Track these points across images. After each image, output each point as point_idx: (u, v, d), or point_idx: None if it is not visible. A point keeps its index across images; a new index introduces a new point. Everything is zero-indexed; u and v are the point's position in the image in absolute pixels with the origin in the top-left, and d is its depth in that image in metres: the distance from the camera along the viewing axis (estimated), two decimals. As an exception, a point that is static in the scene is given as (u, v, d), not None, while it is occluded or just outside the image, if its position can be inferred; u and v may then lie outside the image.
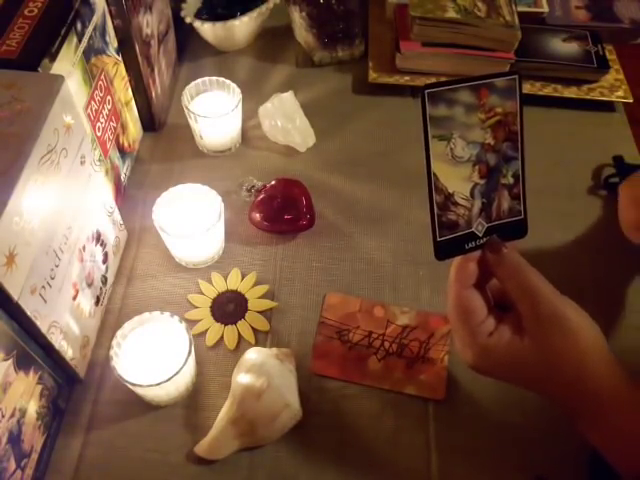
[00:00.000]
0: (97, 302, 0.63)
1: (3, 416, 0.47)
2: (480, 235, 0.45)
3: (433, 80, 0.43)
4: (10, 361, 0.47)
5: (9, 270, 0.44)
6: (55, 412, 0.57)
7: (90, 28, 0.61)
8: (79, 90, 0.59)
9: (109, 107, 0.68)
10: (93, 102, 0.63)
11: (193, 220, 0.67)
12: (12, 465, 0.50)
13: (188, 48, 0.92)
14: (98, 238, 0.61)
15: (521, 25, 0.82)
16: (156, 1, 0.76)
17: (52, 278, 0.51)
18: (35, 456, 0.54)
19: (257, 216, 0.71)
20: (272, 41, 0.94)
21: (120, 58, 0.70)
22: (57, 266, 0.52)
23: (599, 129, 0.85)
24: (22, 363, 0.49)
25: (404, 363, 0.63)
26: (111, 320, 0.65)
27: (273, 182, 0.73)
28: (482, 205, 0.45)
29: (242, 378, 0.58)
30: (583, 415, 0.45)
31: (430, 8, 0.81)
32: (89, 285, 0.60)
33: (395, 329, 0.65)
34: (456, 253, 0.45)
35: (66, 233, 0.53)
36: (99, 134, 0.65)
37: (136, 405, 0.59)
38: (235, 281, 0.68)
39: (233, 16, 0.86)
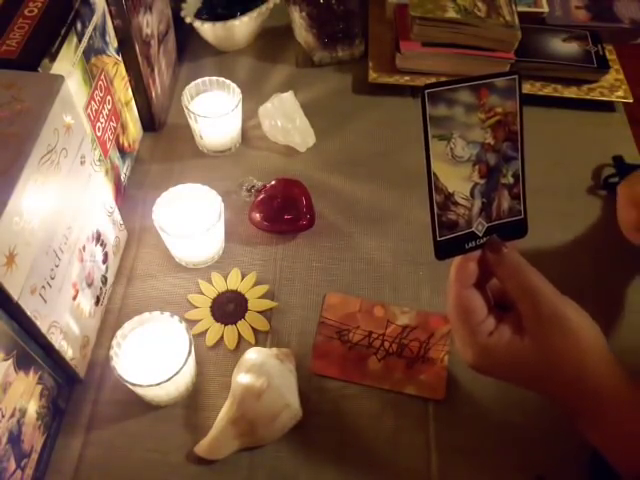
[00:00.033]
0: (97, 302, 0.63)
1: (3, 416, 0.47)
2: (480, 235, 0.45)
3: (433, 80, 0.43)
4: (10, 361, 0.47)
5: (9, 270, 0.44)
6: (55, 412, 0.57)
7: (90, 28, 0.61)
8: (79, 90, 0.59)
9: (109, 107, 0.68)
10: (93, 102, 0.63)
11: (193, 220, 0.67)
12: (12, 465, 0.50)
13: (188, 48, 0.92)
14: (98, 238, 0.61)
15: (521, 25, 0.82)
16: (156, 1, 0.76)
17: (52, 278, 0.51)
18: (35, 456, 0.54)
19: (257, 216, 0.71)
20: (272, 41, 0.94)
21: (120, 58, 0.70)
22: (57, 266, 0.52)
23: (599, 129, 0.85)
24: (22, 363, 0.49)
25: (404, 363, 0.63)
26: (111, 320, 0.65)
27: (273, 182, 0.73)
28: (482, 205, 0.45)
29: (242, 378, 0.58)
30: (583, 415, 0.45)
31: (430, 8, 0.81)
32: (89, 285, 0.60)
33: (395, 329, 0.65)
34: (456, 253, 0.45)
35: (66, 233, 0.53)
36: (99, 134, 0.65)
37: (136, 405, 0.59)
38: (235, 281, 0.68)
39: (233, 16, 0.86)
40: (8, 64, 0.51)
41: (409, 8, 0.82)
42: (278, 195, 0.71)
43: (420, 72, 0.86)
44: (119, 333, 0.57)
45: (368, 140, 0.83)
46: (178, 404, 0.60)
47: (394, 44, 0.86)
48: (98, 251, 0.62)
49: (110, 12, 0.66)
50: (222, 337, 0.65)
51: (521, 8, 0.88)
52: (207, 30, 0.86)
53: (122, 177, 0.74)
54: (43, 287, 0.50)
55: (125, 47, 0.70)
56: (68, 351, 0.56)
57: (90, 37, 0.61)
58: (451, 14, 0.81)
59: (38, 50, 0.52)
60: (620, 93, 0.85)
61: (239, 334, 0.65)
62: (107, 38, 0.66)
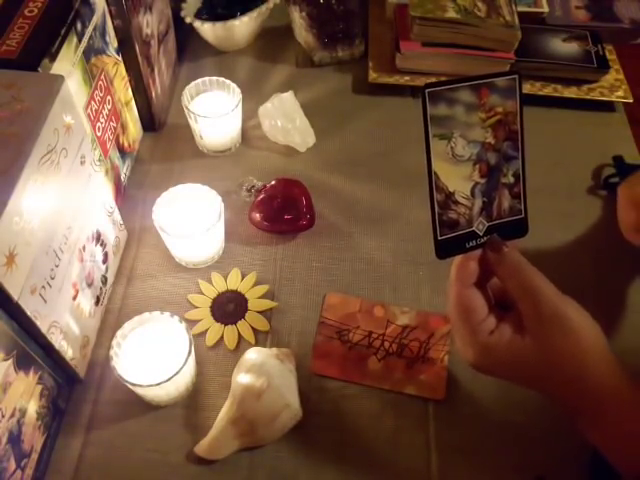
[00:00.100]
0: (97, 302, 0.63)
1: (3, 416, 0.47)
2: (481, 234, 0.45)
3: (433, 80, 0.43)
4: (10, 361, 0.47)
5: (9, 270, 0.44)
6: (55, 412, 0.57)
7: (90, 28, 0.61)
8: (79, 90, 0.59)
9: (109, 107, 0.68)
10: (93, 102, 0.63)
11: (193, 220, 0.67)
12: (12, 465, 0.50)
13: (188, 48, 0.92)
14: (98, 238, 0.61)
15: (521, 25, 0.82)
16: (156, 1, 0.76)
17: (52, 278, 0.51)
18: (35, 456, 0.54)
19: (257, 216, 0.71)
20: (272, 41, 0.94)
21: (120, 58, 0.70)
22: (57, 266, 0.52)
23: (599, 129, 0.85)
24: (22, 363, 0.49)
25: (404, 363, 0.63)
26: (111, 320, 0.65)
27: (273, 182, 0.73)
28: (483, 204, 0.45)
29: (242, 378, 0.58)
30: (583, 414, 0.45)
31: (430, 8, 0.81)
32: (89, 285, 0.60)
33: (395, 329, 0.65)
34: (457, 252, 0.45)
35: (66, 233, 0.53)
36: (99, 134, 0.65)
37: (136, 405, 0.59)
38: (235, 281, 0.68)
39: (233, 16, 0.86)
40: (8, 64, 0.51)
41: (409, 8, 0.82)
42: (278, 195, 0.71)
43: (420, 72, 0.86)
44: (119, 333, 0.57)
45: (368, 140, 0.83)
46: (178, 404, 0.60)
47: (394, 44, 0.86)
48: (98, 251, 0.62)
49: (110, 12, 0.66)
50: (222, 337, 0.65)
51: (521, 8, 0.88)
52: (207, 30, 0.87)
53: (122, 177, 0.74)
54: (43, 287, 0.50)
55: (125, 47, 0.70)
56: (68, 351, 0.56)
57: (90, 37, 0.61)
58: (451, 14, 0.81)
59: (38, 50, 0.52)
60: (620, 93, 0.85)
61: (239, 334, 0.65)
62: (107, 38, 0.66)
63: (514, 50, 0.83)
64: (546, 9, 0.92)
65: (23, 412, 0.51)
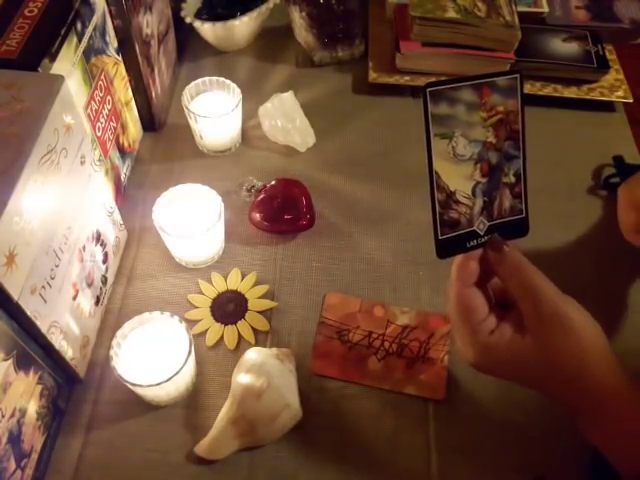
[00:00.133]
0: (97, 302, 0.63)
1: (3, 416, 0.47)
2: (481, 233, 0.45)
3: (433, 80, 0.43)
4: (10, 361, 0.47)
5: (9, 270, 0.44)
6: (55, 412, 0.57)
7: (90, 28, 0.61)
8: (79, 90, 0.59)
9: (109, 107, 0.68)
10: (93, 102, 0.63)
11: (193, 220, 0.67)
12: (12, 465, 0.50)
13: (188, 48, 0.92)
14: (98, 238, 0.61)
15: (521, 25, 0.82)
16: (156, 1, 0.76)
17: (52, 278, 0.51)
18: (35, 456, 0.54)
19: (257, 216, 0.71)
20: (272, 41, 0.94)
21: (120, 58, 0.70)
22: (57, 266, 0.52)
23: (599, 129, 0.85)
24: (22, 363, 0.49)
25: (404, 363, 0.63)
26: (111, 320, 0.65)
27: (273, 182, 0.73)
28: (483, 203, 0.45)
29: (242, 378, 0.58)
30: (584, 414, 0.45)
31: (430, 8, 0.81)
32: (89, 285, 0.60)
33: (395, 329, 0.65)
34: (457, 251, 0.45)
35: (66, 233, 0.53)
36: (99, 134, 0.65)
37: (136, 405, 0.59)
38: (235, 281, 0.68)
39: (233, 16, 0.86)
40: (8, 64, 0.51)
41: (409, 8, 0.82)
42: (278, 195, 0.71)
43: (420, 72, 0.86)
44: (119, 333, 0.57)
45: (368, 140, 0.83)
46: (178, 404, 0.60)
47: (394, 44, 0.86)
48: (98, 251, 0.62)
49: (110, 12, 0.66)
50: (222, 337, 0.65)
51: (521, 8, 0.88)
52: (207, 30, 0.86)
53: (122, 177, 0.74)
54: (43, 287, 0.50)
55: (125, 47, 0.70)
56: (68, 351, 0.56)
57: (90, 37, 0.61)
58: (451, 14, 0.81)
59: (38, 50, 0.52)
60: (620, 93, 0.85)
61: (239, 334, 0.65)
62: (107, 38, 0.66)
63: (514, 50, 0.83)
64: (546, 9, 0.92)
65: (23, 412, 0.51)
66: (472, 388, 0.62)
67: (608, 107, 0.86)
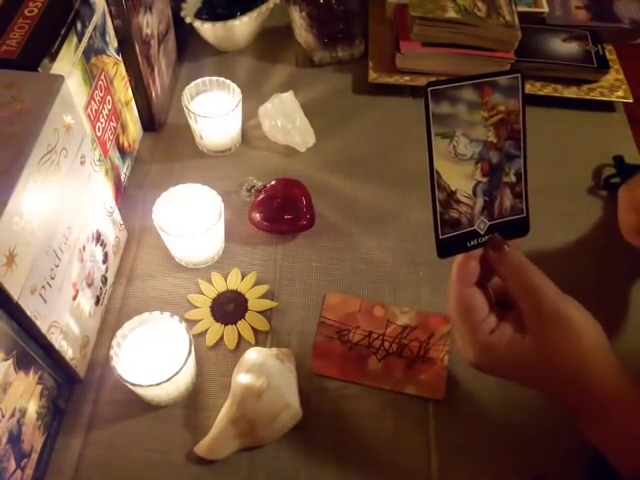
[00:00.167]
0: (97, 302, 0.63)
1: (3, 416, 0.47)
2: (482, 233, 0.45)
3: (433, 80, 0.43)
4: (10, 361, 0.47)
5: (9, 270, 0.44)
6: (55, 412, 0.57)
7: (90, 28, 0.61)
8: (79, 90, 0.59)
9: (109, 107, 0.68)
10: (93, 102, 0.63)
11: (193, 220, 0.67)
12: (12, 465, 0.50)
13: (188, 48, 0.92)
14: (98, 238, 0.61)
15: (521, 25, 0.82)
16: (156, 1, 0.76)
17: (52, 278, 0.51)
18: (35, 456, 0.54)
19: (257, 216, 0.71)
20: (272, 41, 0.94)
21: (120, 58, 0.70)
22: (57, 266, 0.52)
23: (599, 129, 0.85)
24: (22, 363, 0.49)
25: (404, 363, 0.63)
26: (111, 320, 0.65)
27: (273, 182, 0.73)
28: (484, 203, 0.45)
29: (242, 378, 0.58)
30: (585, 414, 0.45)
31: (430, 8, 0.81)
32: (89, 285, 0.60)
33: (395, 329, 0.65)
34: (458, 251, 0.45)
35: (66, 233, 0.53)
36: (99, 134, 0.65)
37: (136, 405, 0.59)
38: (235, 281, 0.68)
39: (233, 16, 0.86)
40: (8, 64, 0.51)
41: (409, 8, 0.82)
42: (278, 195, 0.71)
43: (420, 72, 0.86)
44: (119, 333, 0.57)
45: (368, 140, 0.83)
46: (178, 404, 0.60)
47: (394, 44, 0.86)
48: (98, 251, 0.62)
49: (110, 12, 0.66)
50: (222, 337, 0.65)
51: (521, 8, 0.88)
52: (207, 30, 0.86)
53: (122, 177, 0.74)
54: (43, 287, 0.50)
55: (125, 47, 0.70)
56: (68, 351, 0.56)
57: (90, 37, 0.61)
58: (451, 14, 0.81)
59: (38, 50, 0.52)
60: (620, 93, 0.85)
61: (239, 334, 0.65)
62: (107, 38, 0.66)
63: (514, 50, 0.83)
64: (546, 9, 0.92)
65: (23, 412, 0.51)
66: (472, 388, 0.62)
67: (608, 107, 0.86)
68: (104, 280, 0.65)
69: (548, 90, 0.86)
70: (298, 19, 0.88)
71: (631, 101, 0.84)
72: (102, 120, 0.66)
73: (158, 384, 0.54)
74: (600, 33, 0.89)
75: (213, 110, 0.75)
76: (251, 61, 0.92)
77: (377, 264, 0.71)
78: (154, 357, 0.57)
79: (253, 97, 0.83)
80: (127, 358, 0.57)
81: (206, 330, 0.65)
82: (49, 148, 0.48)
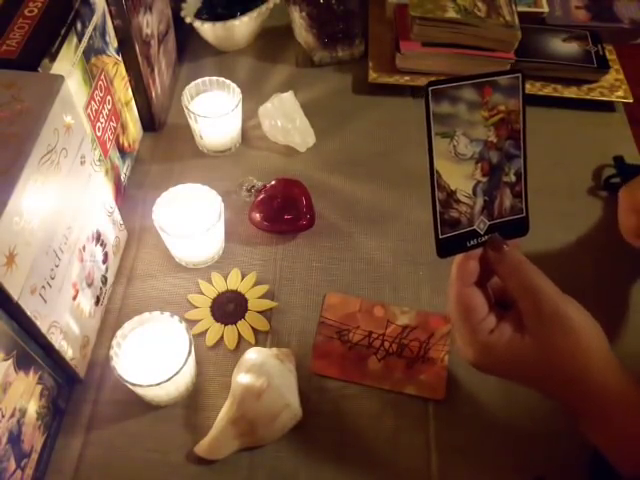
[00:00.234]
0: (97, 302, 0.63)
1: (3, 416, 0.47)
2: (482, 233, 0.45)
3: (434, 79, 0.43)
4: (10, 361, 0.47)
5: (9, 270, 0.44)
6: (55, 412, 0.57)
7: (90, 28, 0.61)
8: (79, 90, 0.59)
9: (109, 107, 0.68)
10: (93, 102, 0.63)
11: (193, 220, 0.67)
12: (12, 465, 0.50)
13: (188, 48, 0.92)
14: (98, 238, 0.61)
15: (521, 25, 0.82)
16: (156, 1, 0.76)
17: (52, 278, 0.51)
18: (35, 456, 0.54)
19: (257, 216, 0.71)
20: (272, 41, 0.94)
21: (120, 58, 0.70)
22: (57, 266, 0.52)
23: (599, 129, 0.85)
24: (22, 363, 0.49)
25: (404, 363, 0.63)
26: (111, 320, 0.65)
27: (273, 182, 0.73)
28: (484, 203, 0.45)
29: (242, 378, 0.58)
30: (584, 415, 0.45)
31: (430, 8, 0.81)
32: (89, 285, 0.60)
33: (395, 329, 0.65)
34: (458, 251, 0.45)
35: (66, 233, 0.53)
36: (99, 134, 0.65)
37: (136, 405, 0.59)
38: (235, 281, 0.68)
39: (233, 16, 0.86)
40: (8, 64, 0.51)
41: (409, 8, 0.82)
42: (278, 195, 0.71)
43: (420, 72, 0.86)
44: (119, 333, 0.57)
45: (368, 140, 0.83)
46: (178, 404, 0.60)
47: (394, 44, 0.86)
48: (98, 251, 0.62)
49: (110, 12, 0.66)
50: (222, 337, 0.65)
51: (521, 8, 0.88)
52: (207, 30, 0.86)
53: (122, 177, 0.74)
54: (43, 287, 0.50)
55: (125, 47, 0.70)
56: (68, 351, 0.56)
57: (90, 37, 0.61)
58: (451, 14, 0.81)
59: (38, 50, 0.52)
60: (620, 93, 0.85)
61: (239, 334, 0.65)
62: (107, 38, 0.66)
63: (514, 50, 0.83)
64: (546, 9, 0.92)
65: (23, 412, 0.51)
66: (472, 388, 0.62)
67: (608, 107, 0.86)
68: (104, 280, 0.65)
69: (548, 90, 0.86)
70: (298, 19, 0.88)
71: (631, 101, 0.84)
72: (102, 120, 0.66)
73: (158, 384, 0.54)
74: (600, 33, 0.89)
75: (213, 110, 0.75)
76: (251, 61, 0.92)
77: (377, 264, 0.71)
78: (154, 357, 0.57)
79: (253, 97, 0.83)
80: (127, 358, 0.57)
81: (206, 330, 0.65)
82: (49, 148, 0.48)
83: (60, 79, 0.50)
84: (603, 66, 0.85)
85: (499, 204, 0.46)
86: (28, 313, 0.48)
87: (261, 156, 0.80)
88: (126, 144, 0.75)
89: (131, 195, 0.75)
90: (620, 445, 0.45)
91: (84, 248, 0.58)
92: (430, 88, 0.41)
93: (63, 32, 0.55)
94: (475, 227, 0.45)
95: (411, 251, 0.71)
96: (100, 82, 0.64)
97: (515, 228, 0.47)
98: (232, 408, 0.57)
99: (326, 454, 0.58)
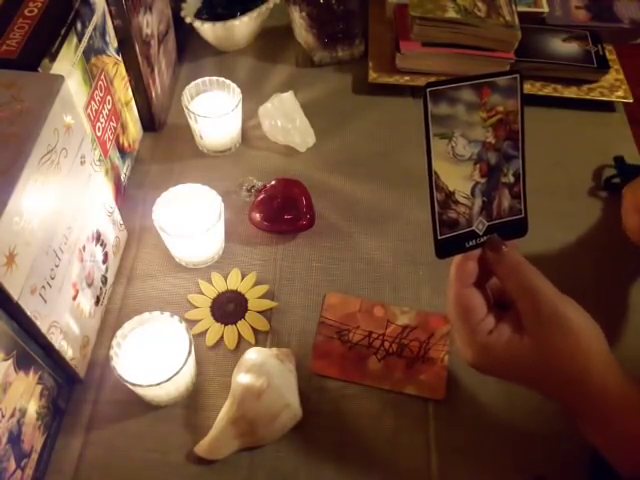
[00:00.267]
0: (97, 302, 0.63)
1: (3, 416, 0.47)
2: (480, 234, 0.45)
3: (433, 80, 0.43)
4: (10, 361, 0.47)
5: (9, 270, 0.44)
6: (55, 412, 0.57)
7: (90, 28, 0.61)
8: (79, 90, 0.59)
9: (109, 107, 0.68)
10: (93, 102, 0.63)
11: (193, 220, 0.67)
12: (12, 465, 0.50)
13: (188, 48, 0.92)
14: (98, 238, 0.61)
15: (521, 25, 0.82)
16: (156, 1, 0.76)
17: (52, 278, 0.51)
18: (35, 456, 0.54)
19: (257, 216, 0.71)
20: (272, 41, 0.94)
21: (120, 58, 0.70)
22: (57, 266, 0.52)
23: (599, 129, 0.85)
24: (22, 363, 0.49)
25: (404, 363, 0.63)
26: (111, 320, 0.65)
27: (273, 182, 0.73)
28: (483, 204, 0.45)
29: (242, 378, 0.58)
30: (584, 416, 0.45)
31: (430, 8, 0.81)
32: (89, 285, 0.60)
33: (395, 329, 0.65)
34: (456, 251, 0.45)
35: (66, 233, 0.53)
36: (99, 134, 0.65)
37: (136, 405, 0.59)
38: (235, 281, 0.68)
39: (233, 16, 0.86)
40: (8, 64, 0.51)
41: (409, 8, 0.82)
42: (278, 195, 0.71)
43: (420, 72, 0.86)
44: (119, 333, 0.57)
45: (368, 140, 0.83)
46: (178, 404, 0.60)
47: (394, 44, 0.86)
48: (98, 251, 0.62)
49: (110, 12, 0.66)
50: (222, 337, 0.65)
51: (521, 8, 0.88)
52: (207, 30, 0.87)
53: (122, 177, 0.74)
54: (43, 287, 0.50)
55: (125, 47, 0.70)
56: (68, 351, 0.56)
57: (90, 37, 0.61)
58: (451, 14, 0.81)
59: (38, 50, 0.52)
60: (620, 93, 0.85)
61: (239, 334, 0.65)
62: (107, 38, 0.66)
63: (514, 50, 0.83)
64: (546, 9, 0.92)
65: (23, 412, 0.51)
66: (472, 388, 0.62)
67: (608, 107, 0.86)
68: (104, 280, 0.65)
69: (548, 90, 0.86)
70: (298, 19, 0.88)
71: (631, 101, 0.84)
72: (102, 120, 0.66)
73: (158, 384, 0.54)
74: (600, 33, 0.89)
75: (213, 110, 0.75)
76: (251, 61, 0.92)
77: (377, 264, 0.71)
78: (154, 357, 0.57)
79: (253, 97, 0.83)
80: (127, 358, 0.57)
81: (206, 330, 0.65)
82: (49, 148, 0.48)
83: (60, 79, 0.50)
84: (603, 66, 0.85)
85: (498, 205, 0.46)
86: (28, 313, 0.48)
87: (261, 156, 0.80)
88: (126, 144, 0.75)
89: (131, 195, 0.75)
90: (619, 446, 0.45)
91: (84, 248, 0.58)
92: (428, 89, 0.41)
93: (63, 32, 0.55)
94: (474, 228, 0.45)
95: (411, 251, 0.71)
96: (100, 82, 0.64)
97: (514, 229, 0.47)
98: (232, 408, 0.57)
99: (326, 454, 0.58)
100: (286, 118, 0.79)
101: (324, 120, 0.83)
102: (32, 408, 0.52)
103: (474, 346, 0.45)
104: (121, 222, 0.69)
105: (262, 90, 0.87)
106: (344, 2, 0.87)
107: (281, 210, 0.71)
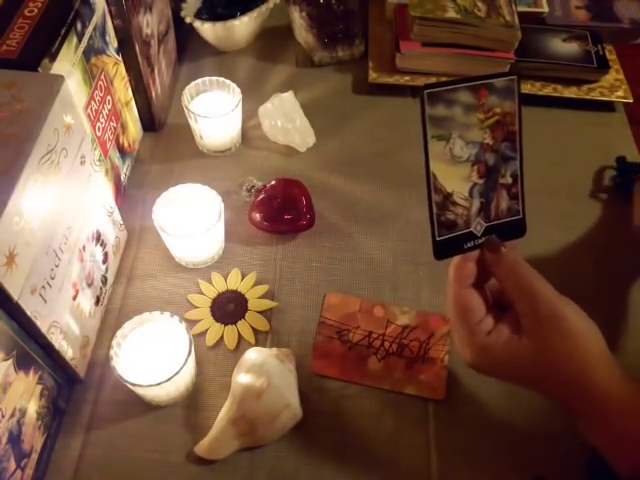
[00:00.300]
0: (97, 302, 0.63)
1: (3, 416, 0.47)
2: (479, 235, 0.45)
3: (433, 80, 0.43)
4: (10, 361, 0.47)
5: (9, 270, 0.44)
6: (55, 412, 0.57)
7: (90, 28, 0.61)
8: (79, 90, 0.59)
9: (109, 107, 0.68)
10: (93, 102, 0.63)
11: (193, 220, 0.67)
12: (12, 465, 0.50)
13: (188, 48, 0.92)
14: (98, 238, 0.61)
15: (521, 25, 0.82)
16: (156, 1, 0.76)
17: (52, 278, 0.51)
18: (35, 456, 0.54)
19: (257, 216, 0.71)
20: (272, 41, 0.94)
21: (120, 58, 0.70)
22: (57, 266, 0.52)
23: (599, 129, 0.85)
24: (22, 363, 0.49)
25: (404, 363, 0.63)
26: (111, 320, 0.65)
27: (273, 182, 0.73)
28: (481, 205, 0.45)
29: (242, 378, 0.58)
30: (583, 416, 0.45)
31: (430, 8, 0.81)
32: (89, 285, 0.60)
33: (395, 329, 0.65)
34: (455, 253, 0.46)
35: (66, 233, 0.53)
36: (99, 134, 0.65)
37: (136, 405, 0.59)
38: (235, 281, 0.68)
39: (233, 16, 0.86)
40: (8, 64, 0.51)
41: (409, 8, 0.82)
42: (278, 195, 0.71)
43: (420, 72, 0.86)
44: (119, 333, 0.57)
45: (368, 140, 0.83)
46: (178, 404, 0.60)
47: (394, 44, 0.86)
48: (98, 251, 0.62)
49: (110, 12, 0.66)
50: (222, 337, 0.65)
51: (521, 8, 0.88)
52: (207, 30, 0.87)
53: (122, 177, 0.74)
54: (43, 287, 0.50)
55: (125, 47, 0.70)
56: (68, 351, 0.56)
57: (90, 37, 0.61)
58: (451, 14, 0.81)
59: (38, 50, 0.52)
60: (620, 93, 0.85)
61: (239, 334, 0.65)
62: (107, 38, 0.66)
63: (514, 50, 0.83)
64: (546, 9, 0.92)
65: (23, 412, 0.51)
66: (472, 388, 0.62)
67: (608, 107, 0.86)
68: (104, 280, 0.65)
69: (548, 90, 0.86)
70: (298, 19, 0.88)
71: (631, 101, 0.84)
72: (102, 120, 0.66)
73: (158, 384, 0.54)
74: (600, 33, 0.89)
75: (213, 110, 0.75)
76: (251, 61, 0.92)
77: (377, 264, 0.71)
78: (154, 357, 0.57)
79: (253, 97, 0.83)
80: (127, 358, 0.57)
81: (206, 330, 0.65)
82: (49, 148, 0.48)
83: (60, 79, 0.50)
84: (603, 66, 0.85)
85: (496, 206, 0.46)
86: (28, 313, 0.48)
87: (261, 156, 0.80)
88: (126, 144, 0.75)
89: (131, 195, 0.75)
90: (618, 446, 0.45)
91: (84, 248, 0.58)
92: (426, 91, 0.41)
93: (63, 32, 0.55)
94: (472, 229, 0.45)
95: (411, 251, 0.71)
96: (100, 82, 0.64)
97: (512, 230, 0.47)
98: (232, 408, 0.57)
99: (326, 454, 0.58)
100: (286, 118, 0.79)
101: (324, 120, 0.83)
102: (32, 408, 0.52)
103: (473, 347, 0.46)
104: (121, 222, 0.69)
105: (262, 90, 0.87)
106: (344, 2, 0.87)
107: (281, 210, 0.71)
